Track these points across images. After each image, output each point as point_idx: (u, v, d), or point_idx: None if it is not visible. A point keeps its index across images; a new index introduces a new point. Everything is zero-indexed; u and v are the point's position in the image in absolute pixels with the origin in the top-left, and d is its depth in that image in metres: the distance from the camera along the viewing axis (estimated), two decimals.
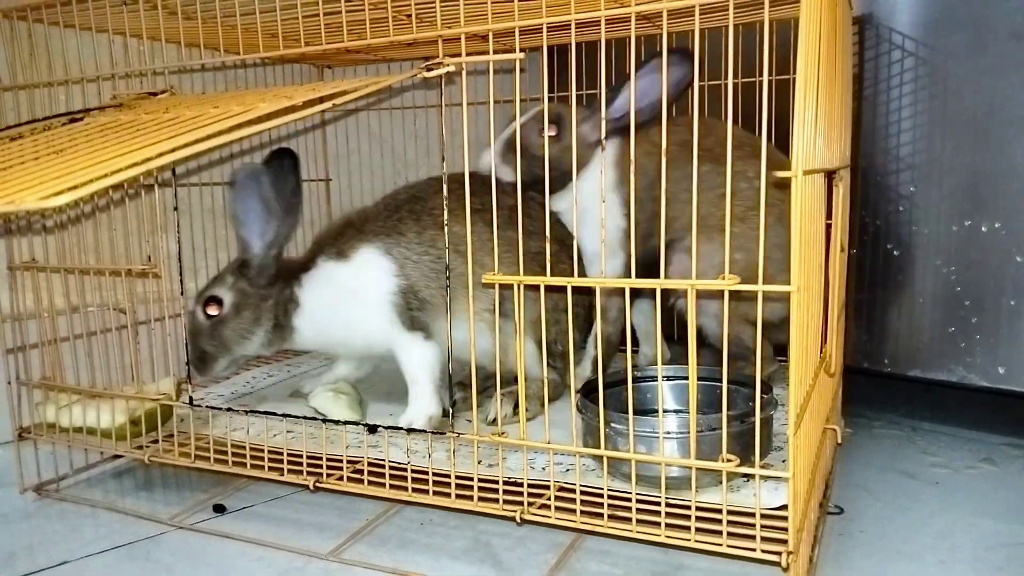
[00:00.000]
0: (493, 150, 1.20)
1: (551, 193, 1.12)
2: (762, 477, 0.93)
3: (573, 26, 0.91)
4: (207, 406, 1.30)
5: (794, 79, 0.82)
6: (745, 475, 1.09)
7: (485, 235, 1.38)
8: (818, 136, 0.94)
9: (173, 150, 0.67)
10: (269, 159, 1.42)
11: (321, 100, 0.90)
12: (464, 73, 0.96)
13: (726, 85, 0.88)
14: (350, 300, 1.42)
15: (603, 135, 1.35)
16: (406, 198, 1.51)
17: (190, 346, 1.40)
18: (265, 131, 1.84)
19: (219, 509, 1.29)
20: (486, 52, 0.95)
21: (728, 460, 0.89)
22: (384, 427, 1.17)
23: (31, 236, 1.38)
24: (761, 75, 0.82)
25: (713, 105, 1.46)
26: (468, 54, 0.96)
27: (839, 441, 1.30)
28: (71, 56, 1.33)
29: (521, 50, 0.94)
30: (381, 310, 1.41)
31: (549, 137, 1.41)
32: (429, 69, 0.95)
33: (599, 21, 0.90)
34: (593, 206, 1.26)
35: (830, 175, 1.13)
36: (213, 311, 1.41)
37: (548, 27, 0.93)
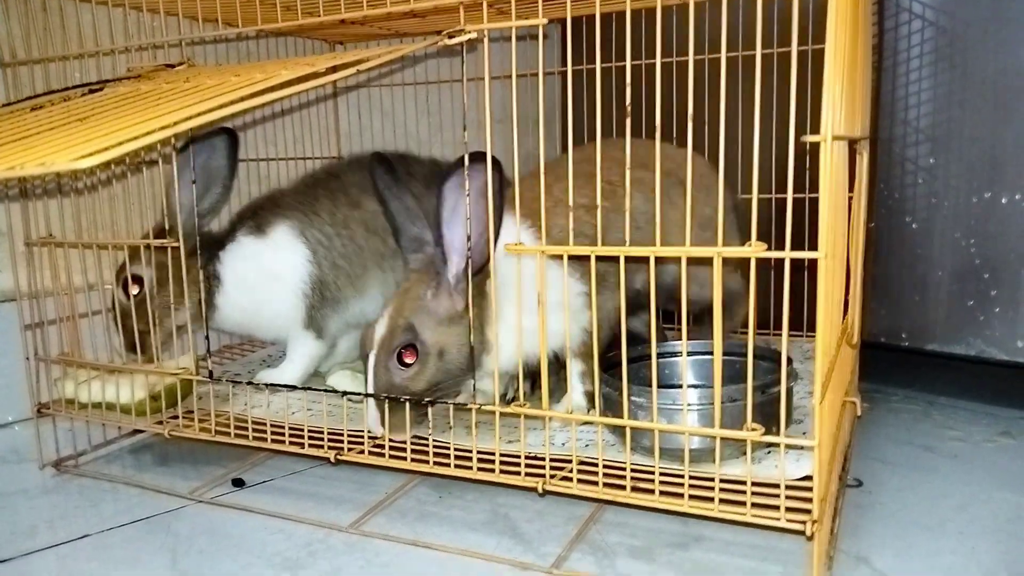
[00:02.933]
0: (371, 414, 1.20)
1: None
2: (785, 447, 0.93)
3: None
4: (227, 380, 1.30)
5: (810, 50, 0.81)
6: (767, 447, 1.09)
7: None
8: (842, 103, 0.93)
9: (201, 114, 0.66)
10: (208, 135, 1.42)
11: (340, 68, 0.89)
12: (487, 40, 0.95)
13: (753, 55, 0.87)
14: (266, 278, 1.47)
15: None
16: (323, 175, 1.57)
17: (121, 329, 1.40)
18: (279, 102, 1.85)
19: (238, 483, 1.30)
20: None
21: (753, 429, 0.89)
22: (403, 400, 1.17)
23: (48, 212, 1.38)
24: (789, 45, 0.81)
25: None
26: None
27: (858, 414, 1.30)
28: (85, 31, 1.33)
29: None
30: (292, 296, 1.48)
31: (410, 364, 1.17)
32: (451, 36, 0.94)
33: None
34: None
35: (851, 145, 1.12)
36: (134, 289, 1.40)
37: None
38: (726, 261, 0.87)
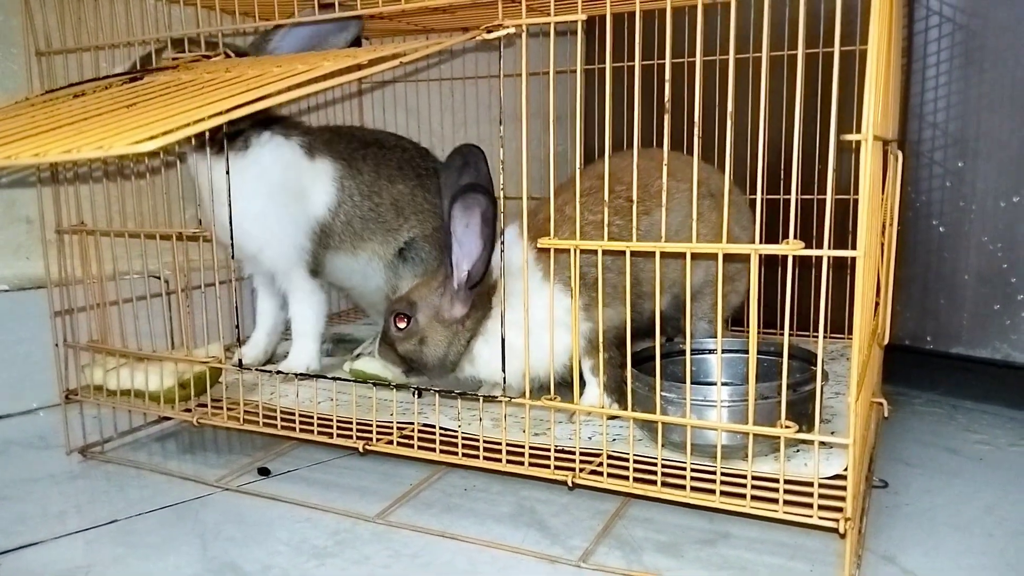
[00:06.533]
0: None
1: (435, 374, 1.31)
2: (817, 444, 0.93)
3: None
4: (257, 369, 1.31)
5: (838, 51, 0.81)
6: (797, 444, 1.09)
7: (420, 196, 1.59)
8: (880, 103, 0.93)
9: (250, 103, 0.67)
10: None
11: (382, 61, 0.90)
12: (525, 35, 0.95)
13: (794, 56, 0.87)
14: (287, 188, 1.46)
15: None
16: (372, 140, 1.60)
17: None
18: (310, 96, 1.86)
19: (264, 472, 1.30)
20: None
21: (787, 427, 0.89)
22: (434, 391, 1.17)
23: (79, 200, 1.39)
24: (830, 46, 0.81)
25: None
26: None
27: (885, 415, 1.30)
28: (118, 21, 1.34)
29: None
30: (301, 226, 1.48)
31: (401, 329, 1.29)
32: (489, 31, 0.94)
33: None
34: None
35: (883, 147, 1.12)
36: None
37: None
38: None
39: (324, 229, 1.51)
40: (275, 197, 1.45)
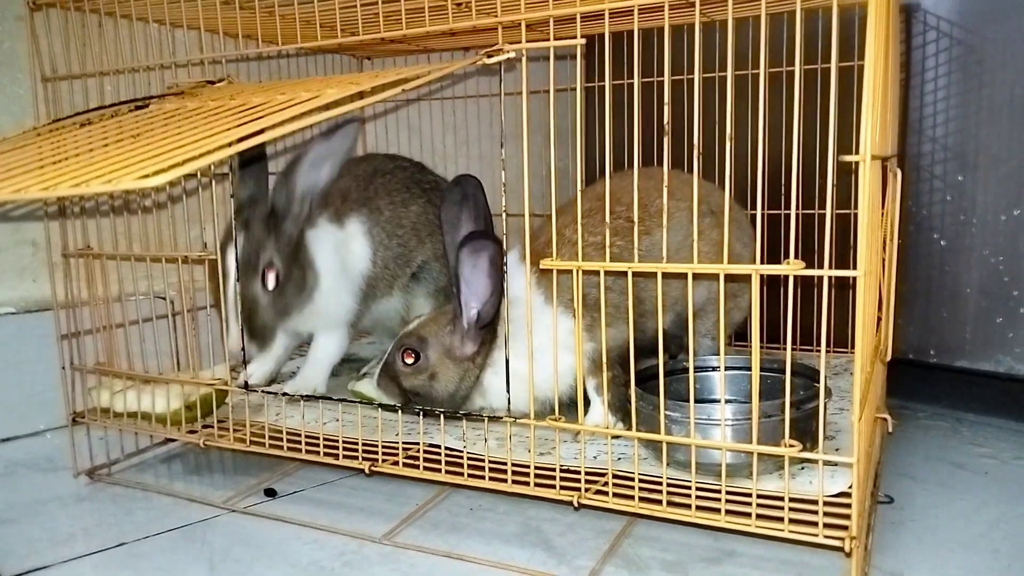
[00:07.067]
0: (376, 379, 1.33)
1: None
2: (821, 463, 0.93)
3: (636, 12, 0.91)
4: (263, 391, 1.31)
5: (835, 67, 0.82)
6: (802, 462, 1.10)
7: (431, 213, 1.58)
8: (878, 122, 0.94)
9: (257, 133, 0.68)
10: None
11: (386, 87, 0.91)
12: (525, 59, 0.96)
13: (789, 72, 0.88)
14: (342, 264, 1.47)
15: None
16: (372, 171, 1.59)
17: (251, 322, 1.33)
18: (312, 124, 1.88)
19: (270, 493, 1.31)
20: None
21: (791, 446, 0.89)
22: (438, 412, 1.18)
23: (84, 223, 1.40)
24: (828, 62, 0.82)
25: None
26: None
27: (890, 431, 1.30)
28: (123, 46, 1.35)
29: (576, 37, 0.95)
30: (349, 289, 1.49)
31: (409, 364, 1.29)
32: (489, 55, 0.95)
33: (662, 6, 0.90)
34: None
35: (882, 163, 1.13)
36: (272, 281, 1.35)
37: (610, 13, 0.93)
38: None
39: (370, 282, 1.52)
40: (334, 276, 1.46)
